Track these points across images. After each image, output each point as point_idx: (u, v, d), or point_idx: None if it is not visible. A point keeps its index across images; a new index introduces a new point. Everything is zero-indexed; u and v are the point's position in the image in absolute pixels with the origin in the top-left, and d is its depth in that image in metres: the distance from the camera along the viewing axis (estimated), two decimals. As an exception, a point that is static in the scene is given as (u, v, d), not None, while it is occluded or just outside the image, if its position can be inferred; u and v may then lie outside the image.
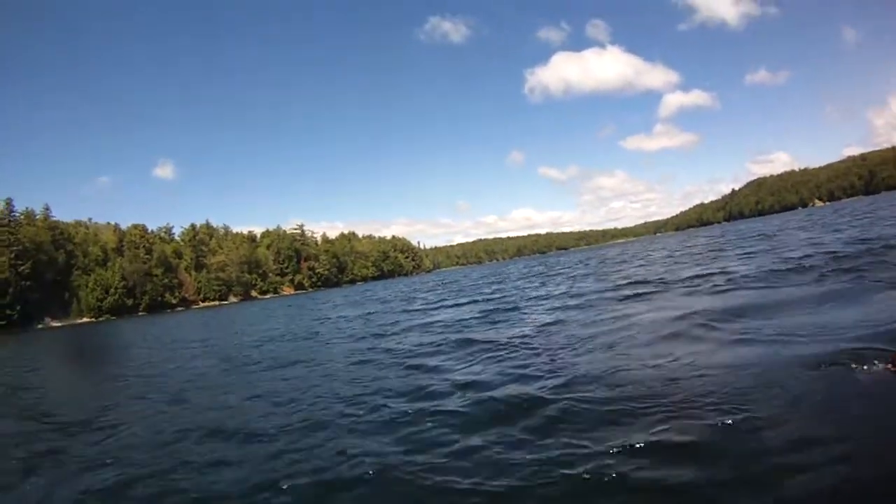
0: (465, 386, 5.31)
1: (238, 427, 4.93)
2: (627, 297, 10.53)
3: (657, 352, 5.52)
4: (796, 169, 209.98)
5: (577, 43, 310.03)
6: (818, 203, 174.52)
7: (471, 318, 11.36)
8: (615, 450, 3.19)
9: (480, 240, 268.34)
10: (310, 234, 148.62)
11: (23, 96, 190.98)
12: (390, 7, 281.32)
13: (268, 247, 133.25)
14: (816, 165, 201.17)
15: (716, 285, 10.03)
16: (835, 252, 11.53)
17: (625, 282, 14.15)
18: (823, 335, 4.99)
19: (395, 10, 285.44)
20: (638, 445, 3.21)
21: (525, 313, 10.98)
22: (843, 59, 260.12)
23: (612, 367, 5.11)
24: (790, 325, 5.68)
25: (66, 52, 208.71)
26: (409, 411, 4.67)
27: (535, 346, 6.97)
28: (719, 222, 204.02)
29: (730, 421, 3.35)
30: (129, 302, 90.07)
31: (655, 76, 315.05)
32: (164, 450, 4.56)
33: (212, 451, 4.34)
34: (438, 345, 8.30)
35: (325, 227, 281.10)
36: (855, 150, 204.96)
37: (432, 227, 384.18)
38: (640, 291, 11.16)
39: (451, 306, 15.90)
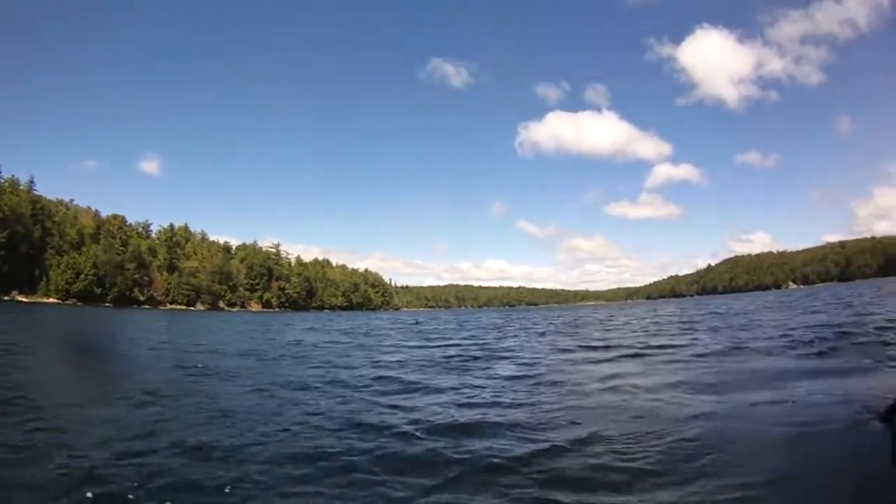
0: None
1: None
2: (593, 361, 11.46)
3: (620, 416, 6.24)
4: (775, 251, 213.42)
5: (575, 104, 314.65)
6: (792, 286, 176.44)
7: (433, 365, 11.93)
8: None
9: (452, 285, 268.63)
10: (284, 255, 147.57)
11: (27, 65, 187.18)
12: (395, 42, 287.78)
13: (241, 260, 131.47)
14: (795, 248, 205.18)
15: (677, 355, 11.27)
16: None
17: (593, 344, 15.10)
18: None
19: (399, 46, 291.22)
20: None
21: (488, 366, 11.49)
22: (835, 147, 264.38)
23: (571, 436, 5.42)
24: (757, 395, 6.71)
25: (77, 31, 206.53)
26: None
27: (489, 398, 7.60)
28: (692, 295, 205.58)
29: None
30: (98, 291, 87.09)
31: (648, 146, 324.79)
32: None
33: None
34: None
35: (299, 249, 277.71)
36: (835, 237, 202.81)
37: (406, 266, 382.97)
38: (608, 356, 12.04)
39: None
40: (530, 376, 9.52)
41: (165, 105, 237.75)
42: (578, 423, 5.93)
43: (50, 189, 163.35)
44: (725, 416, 5.85)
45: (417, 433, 5.64)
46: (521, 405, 7.05)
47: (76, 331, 27.28)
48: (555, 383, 8.68)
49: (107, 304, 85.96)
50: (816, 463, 4.37)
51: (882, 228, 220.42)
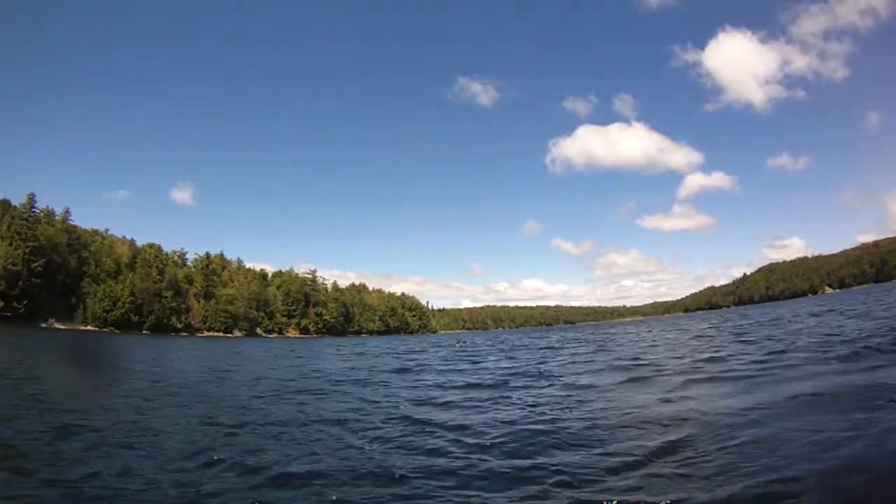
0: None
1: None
2: (635, 380, 11.04)
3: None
4: (809, 255, 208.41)
5: (604, 116, 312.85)
6: (828, 290, 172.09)
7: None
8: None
9: (488, 306, 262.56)
10: (320, 281, 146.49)
11: (57, 96, 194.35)
12: (421, 63, 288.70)
13: (278, 287, 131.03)
14: (830, 252, 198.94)
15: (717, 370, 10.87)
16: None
17: (634, 363, 14.63)
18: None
19: (425, 66, 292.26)
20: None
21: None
22: (864, 143, 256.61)
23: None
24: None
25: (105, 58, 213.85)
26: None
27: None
28: (728, 306, 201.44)
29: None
30: (135, 318, 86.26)
31: (679, 156, 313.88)
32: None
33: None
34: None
35: (336, 275, 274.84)
36: (869, 237, 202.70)
37: (443, 289, 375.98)
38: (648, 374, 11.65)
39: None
40: (573, 397, 9.41)
41: (196, 133, 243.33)
42: (627, 449, 5.58)
43: (84, 219, 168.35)
44: (771, 431, 5.53)
45: (472, 470, 5.28)
46: (569, 428, 6.79)
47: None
48: (602, 406, 8.32)
49: (144, 332, 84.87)
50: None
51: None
